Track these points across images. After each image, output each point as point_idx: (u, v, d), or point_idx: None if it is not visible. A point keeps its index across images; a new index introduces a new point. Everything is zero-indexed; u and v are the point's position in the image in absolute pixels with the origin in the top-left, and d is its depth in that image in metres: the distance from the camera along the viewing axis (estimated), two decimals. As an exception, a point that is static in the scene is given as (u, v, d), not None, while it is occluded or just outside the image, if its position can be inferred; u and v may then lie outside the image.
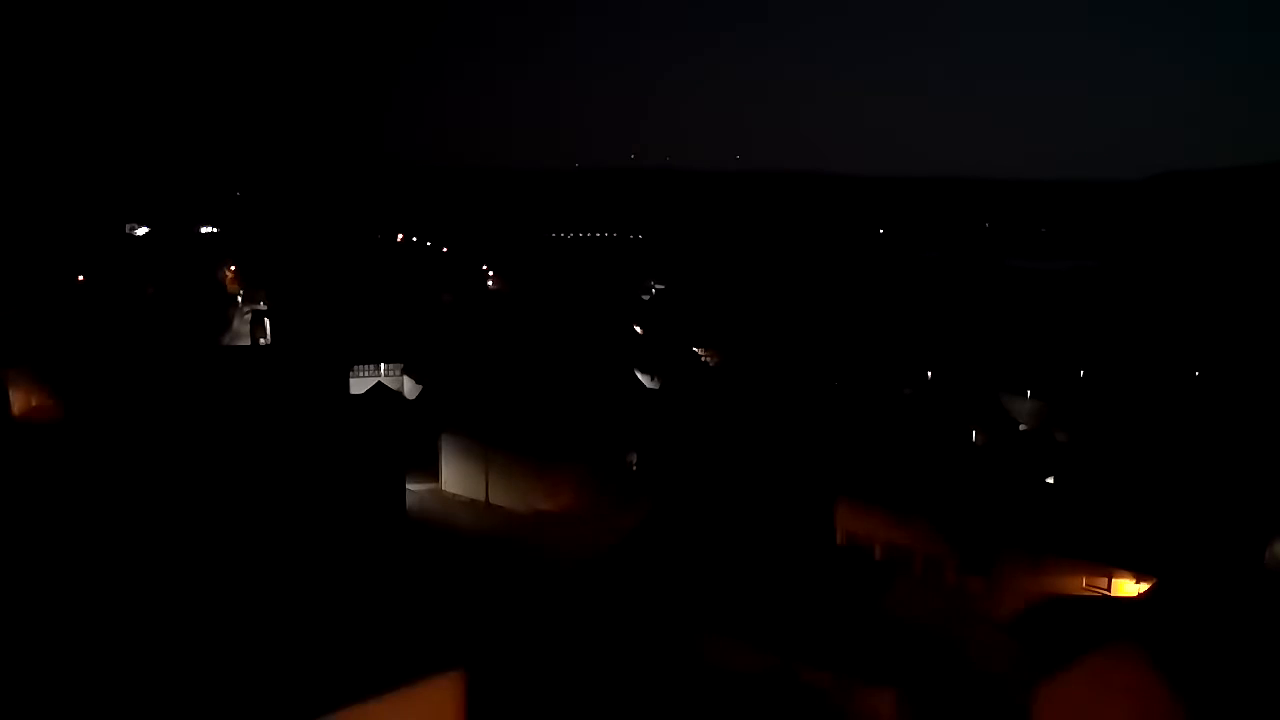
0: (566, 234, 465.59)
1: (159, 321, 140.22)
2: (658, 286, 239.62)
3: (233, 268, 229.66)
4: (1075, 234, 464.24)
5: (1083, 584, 53.95)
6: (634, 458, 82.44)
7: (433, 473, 79.73)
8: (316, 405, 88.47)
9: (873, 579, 54.20)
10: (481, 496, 77.14)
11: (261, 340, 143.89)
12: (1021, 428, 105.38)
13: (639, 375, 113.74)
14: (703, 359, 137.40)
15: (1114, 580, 53.29)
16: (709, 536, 54.74)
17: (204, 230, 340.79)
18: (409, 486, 73.90)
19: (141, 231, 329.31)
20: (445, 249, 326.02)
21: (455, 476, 79.08)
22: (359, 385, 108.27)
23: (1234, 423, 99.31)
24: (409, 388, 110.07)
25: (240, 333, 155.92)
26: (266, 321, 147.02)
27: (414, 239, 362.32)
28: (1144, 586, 50.13)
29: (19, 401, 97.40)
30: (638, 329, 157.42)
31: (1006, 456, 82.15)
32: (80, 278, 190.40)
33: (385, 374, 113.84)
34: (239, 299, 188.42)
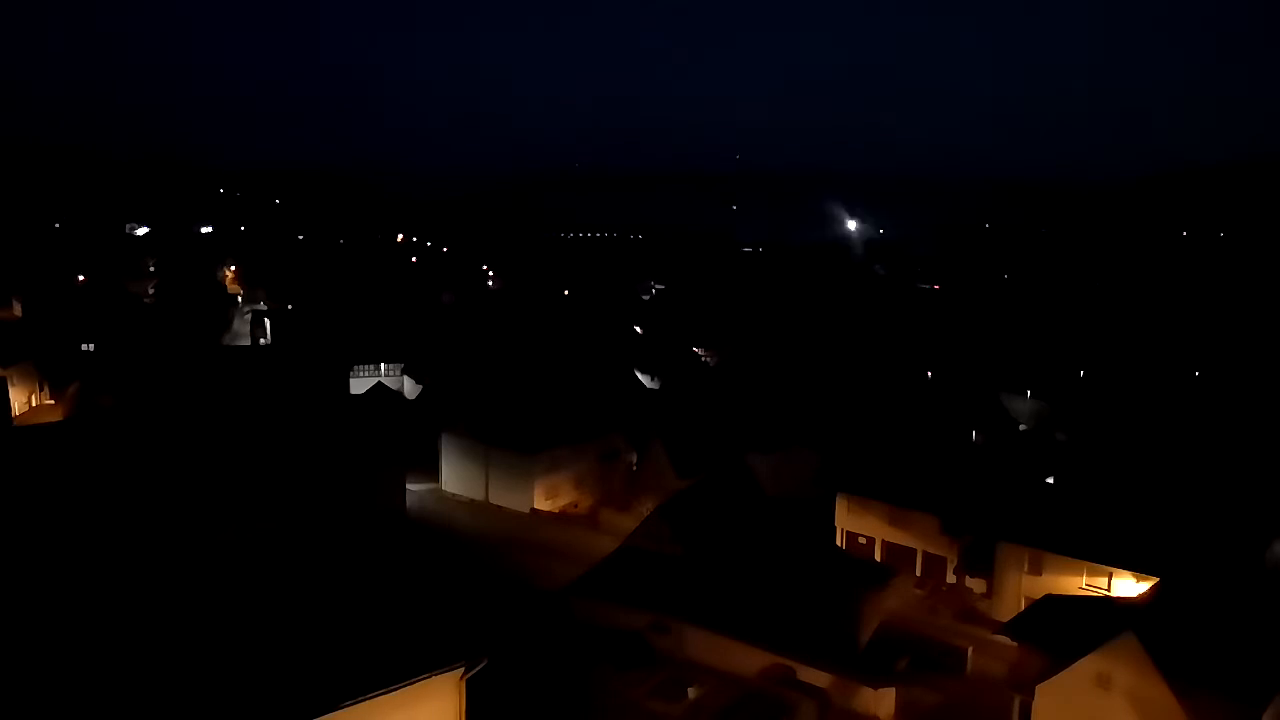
0: (566, 234, 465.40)
1: (159, 321, 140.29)
2: (658, 286, 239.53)
3: (233, 267, 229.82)
4: (1075, 234, 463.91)
5: (1083, 584, 53.98)
6: (634, 457, 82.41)
7: (433, 473, 79.71)
8: (317, 405, 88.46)
9: (873, 578, 54.28)
10: (481, 496, 77.12)
11: (261, 340, 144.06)
12: (1021, 428, 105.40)
13: (639, 375, 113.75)
14: (703, 359, 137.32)
15: (1114, 580, 53.34)
16: (711, 535, 54.73)
17: (204, 230, 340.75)
18: (409, 486, 73.87)
19: (142, 231, 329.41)
20: (445, 249, 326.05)
21: (455, 476, 79.06)
22: (359, 385, 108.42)
23: (1234, 423, 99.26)
24: (409, 388, 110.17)
25: (240, 333, 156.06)
26: (266, 321, 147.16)
27: (414, 239, 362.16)
28: (1144, 586, 50.11)
29: (19, 401, 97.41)
30: (638, 329, 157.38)
31: (1006, 456, 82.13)
32: (81, 278, 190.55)
33: (385, 374, 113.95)
34: (239, 299, 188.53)
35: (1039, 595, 51.70)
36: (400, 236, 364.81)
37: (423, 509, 74.54)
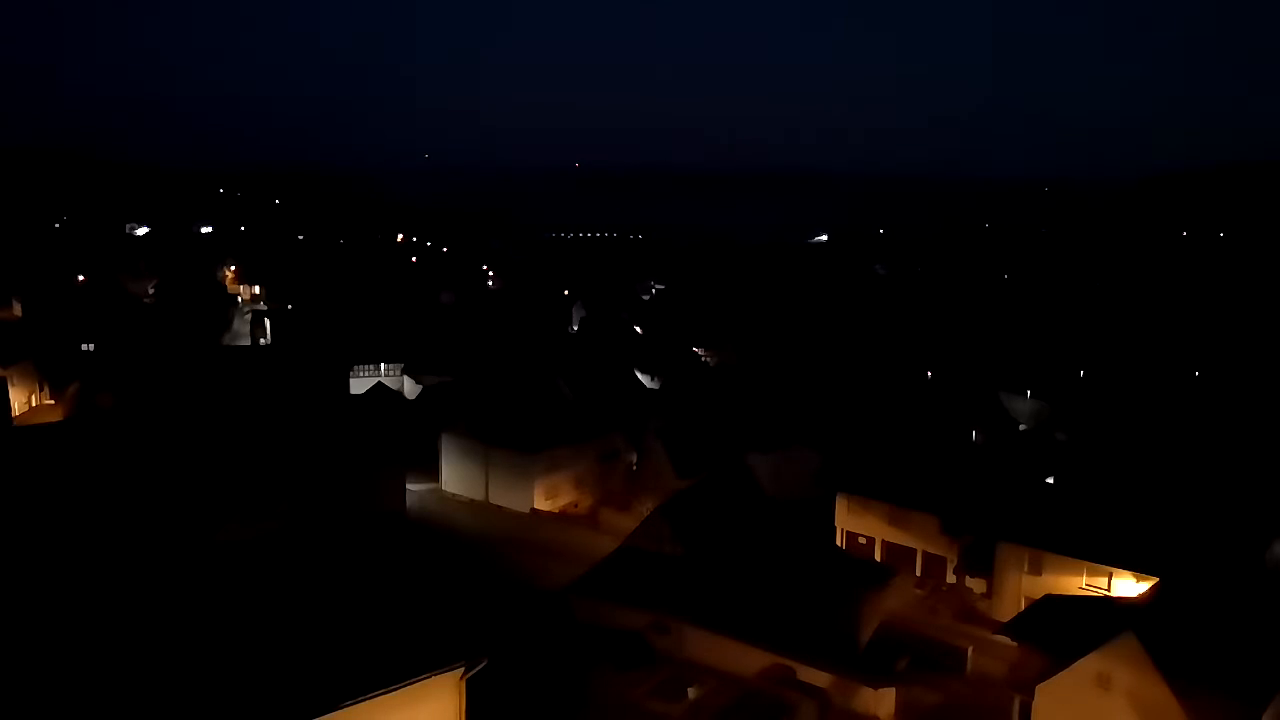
0: (566, 234, 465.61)
1: (159, 321, 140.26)
2: (658, 286, 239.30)
3: (233, 267, 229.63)
4: (1075, 234, 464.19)
5: (1083, 584, 53.97)
6: (634, 457, 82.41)
7: (433, 473, 79.68)
8: (316, 405, 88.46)
9: (873, 578, 54.27)
10: (481, 496, 77.09)
11: (261, 340, 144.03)
12: (1021, 428, 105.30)
13: (639, 375, 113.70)
14: (703, 359, 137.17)
15: (1114, 580, 53.32)
16: (711, 535, 54.72)
17: (204, 230, 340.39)
18: (409, 486, 73.83)
19: (142, 231, 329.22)
20: (445, 249, 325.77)
21: (455, 476, 79.03)
22: (359, 385, 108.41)
23: (1234, 423, 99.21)
24: (409, 388, 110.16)
25: (240, 333, 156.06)
26: (266, 321, 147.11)
27: (414, 239, 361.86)
28: (1144, 586, 50.12)
29: (19, 401, 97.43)
30: (638, 329, 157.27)
31: (1006, 456, 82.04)
32: (81, 278, 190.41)
33: (385, 374, 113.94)
34: (239, 299, 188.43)
35: (1039, 595, 51.70)
36: (400, 236, 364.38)
37: (423, 509, 74.50)
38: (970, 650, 50.62)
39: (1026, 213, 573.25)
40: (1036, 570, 55.48)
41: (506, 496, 75.51)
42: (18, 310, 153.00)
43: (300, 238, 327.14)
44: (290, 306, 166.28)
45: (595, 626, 50.36)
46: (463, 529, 70.99)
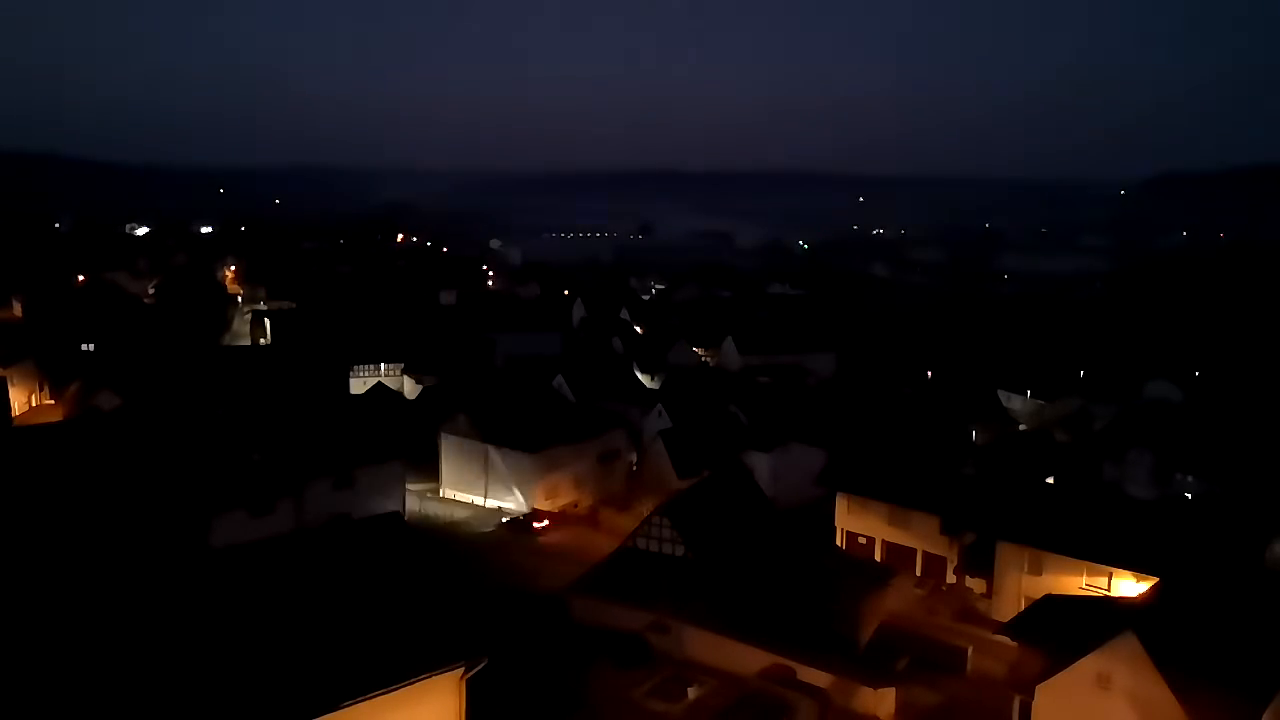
0: (566, 234, 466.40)
1: (159, 321, 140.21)
2: (658, 286, 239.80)
3: (233, 267, 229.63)
4: (1075, 234, 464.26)
5: (1083, 584, 53.98)
6: (634, 457, 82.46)
7: (433, 473, 79.68)
8: (316, 405, 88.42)
9: (873, 578, 54.26)
10: (481, 496, 77.10)
11: (261, 340, 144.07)
12: (1021, 428, 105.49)
13: (639, 375, 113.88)
14: (703, 359, 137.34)
15: (1114, 580, 53.34)
16: (712, 535, 54.75)
17: (204, 230, 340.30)
18: (409, 486, 73.80)
19: (142, 231, 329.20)
20: (445, 249, 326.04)
21: (455, 476, 79.04)
22: (359, 385, 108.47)
23: (1234, 423, 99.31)
24: (409, 388, 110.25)
25: (240, 333, 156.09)
26: (266, 321, 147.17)
27: (414, 239, 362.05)
28: (1144, 586, 50.13)
29: (19, 401, 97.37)
30: (638, 329, 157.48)
31: (1006, 456, 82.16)
32: (81, 278, 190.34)
33: (385, 374, 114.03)
34: (239, 299, 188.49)
35: (1039, 595, 51.68)
36: (400, 237, 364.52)
37: (423, 509, 74.50)
38: (970, 650, 50.60)
39: (1027, 213, 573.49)
40: (1036, 570, 55.47)
41: (506, 496, 75.51)
42: (18, 310, 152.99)
43: (303, 239, 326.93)
44: (291, 306, 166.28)
45: (595, 626, 50.36)
46: (463, 529, 70.95)
